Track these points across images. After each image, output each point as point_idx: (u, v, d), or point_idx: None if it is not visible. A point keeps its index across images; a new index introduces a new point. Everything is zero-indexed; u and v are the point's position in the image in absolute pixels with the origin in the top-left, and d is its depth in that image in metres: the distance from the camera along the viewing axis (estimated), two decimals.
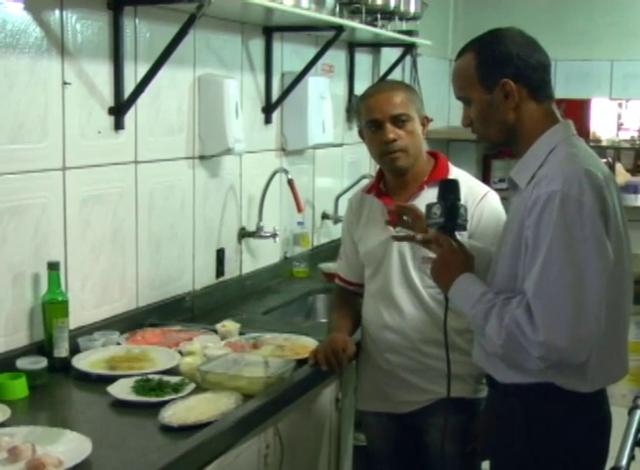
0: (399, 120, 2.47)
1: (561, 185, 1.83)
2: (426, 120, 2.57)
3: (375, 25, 3.93)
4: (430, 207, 2.11)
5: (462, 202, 2.13)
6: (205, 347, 2.50)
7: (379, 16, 3.97)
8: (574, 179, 1.84)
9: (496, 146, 2.10)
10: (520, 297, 1.88)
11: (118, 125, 2.68)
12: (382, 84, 2.69)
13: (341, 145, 4.22)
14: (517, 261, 1.93)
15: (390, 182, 2.59)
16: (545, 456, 1.97)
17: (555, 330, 1.81)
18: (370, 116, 2.50)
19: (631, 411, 2.14)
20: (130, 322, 2.77)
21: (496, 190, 2.57)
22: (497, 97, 1.98)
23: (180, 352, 2.49)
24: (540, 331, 1.81)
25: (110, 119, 2.66)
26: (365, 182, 2.77)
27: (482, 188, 2.52)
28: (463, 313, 2.04)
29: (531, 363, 1.88)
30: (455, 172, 2.53)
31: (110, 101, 2.65)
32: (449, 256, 2.07)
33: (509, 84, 1.96)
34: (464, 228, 2.13)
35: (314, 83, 3.70)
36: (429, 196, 2.47)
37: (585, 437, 1.98)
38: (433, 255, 2.24)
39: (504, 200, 2.67)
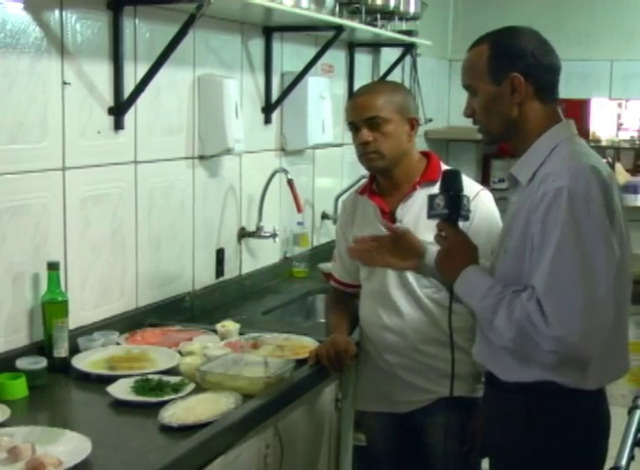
0: (374, 123, 2.48)
1: (568, 181, 1.84)
2: (415, 122, 2.55)
3: (375, 25, 3.93)
4: (432, 198, 2.09)
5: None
6: (204, 347, 2.50)
7: (378, 16, 3.97)
8: (581, 175, 1.86)
9: (496, 139, 2.10)
10: (529, 290, 1.87)
11: (118, 125, 2.68)
12: (365, 86, 2.70)
13: (340, 145, 4.22)
14: (522, 259, 1.92)
15: (382, 183, 2.59)
16: (547, 454, 1.97)
17: (567, 324, 1.81)
18: (349, 118, 2.56)
19: (631, 411, 2.14)
20: (130, 322, 2.77)
21: (496, 190, 2.58)
22: (504, 90, 1.98)
23: (180, 353, 2.49)
24: (553, 325, 1.81)
25: (109, 119, 2.66)
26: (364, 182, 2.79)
27: (475, 187, 2.52)
28: (469, 306, 2.02)
29: (542, 357, 1.88)
30: None
31: (109, 101, 2.65)
32: (454, 246, 2.06)
33: (518, 79, 1.97)
34: (466, 218, 2.11)
35: (314, 83, 3.70)
36: (421, 196, 2.48)
37: (586, 435, 1.98)
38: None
39: (503, 200, 2.67)
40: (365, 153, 2.51)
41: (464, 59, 2.08)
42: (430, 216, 2.10)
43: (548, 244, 1.84)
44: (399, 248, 2.25)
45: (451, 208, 2.05)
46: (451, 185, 2.08)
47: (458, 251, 2.05)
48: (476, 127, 2.11)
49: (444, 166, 2.57)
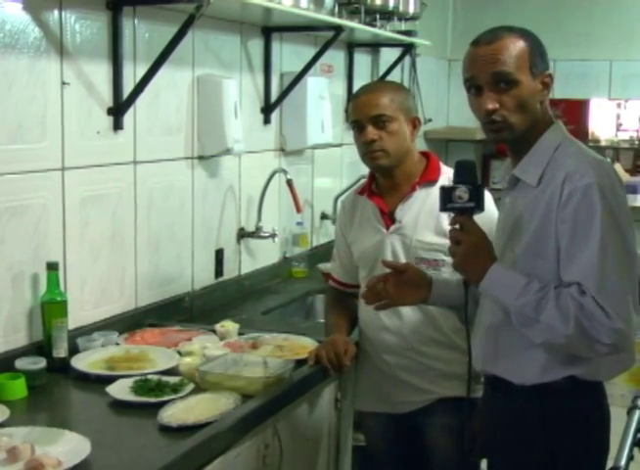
0: (380, 121, 2.47)
1: (595, 177, 1.85)
2: (417, 122, 2.56)
3: (374, 26, 3.93)
4: (449, 190, 1.96)
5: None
6: (204, 347, 2.50)
7: (378, 16, 3.97)
8: (604, 171, 1.89)
9: (516, 137, 1.98)
10: (576, 286, 1.84)
11: (117, 125, 2.68)
12: (368, 85, 2.70)
13: (340, 145, 4.23)
14: (539, 259, 1.91)
15: (382, 183, 2.59)
16: (562, 451, 1.97)
17: (624, 315, 1.82)
18: (352, 117, 2.55)
19: (630, 411, 2.14)
20: (129, 322, 2.77)
21: (496, 190, 2.56)
22: (538, 87, 1.96)
23: (179, 353, 2.49)
24: (614, 318, 1.81)
25: (109, 120, 2.66)
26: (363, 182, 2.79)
27: None
28: (501, 304, 1.96)
29: (591, 352, 1.86)
30: (447, 172, 2.52)
31: (109, 101, 2.65)
32: (478, 242, 1.96)
33: (551, 77, 1.97)
34: (482, 210, 2.01)
35: (313, 83, 3.70)
36: (421, 196, 2.48)
37: (595, 429, 2.00)
38: (427, 256, 2.26)
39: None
40: (370, 151, 2.49)
41: (496, 46, 1.93)
42: (446, 209, 1.98)
43: (588, 240, 1.83)
44: (406, 282, 2.25)
45: (476, 199, 1.95)
46: (469, 176, 1.98)
47: (482, 246, 1.97)
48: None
49: (444, 167, 2.57)
